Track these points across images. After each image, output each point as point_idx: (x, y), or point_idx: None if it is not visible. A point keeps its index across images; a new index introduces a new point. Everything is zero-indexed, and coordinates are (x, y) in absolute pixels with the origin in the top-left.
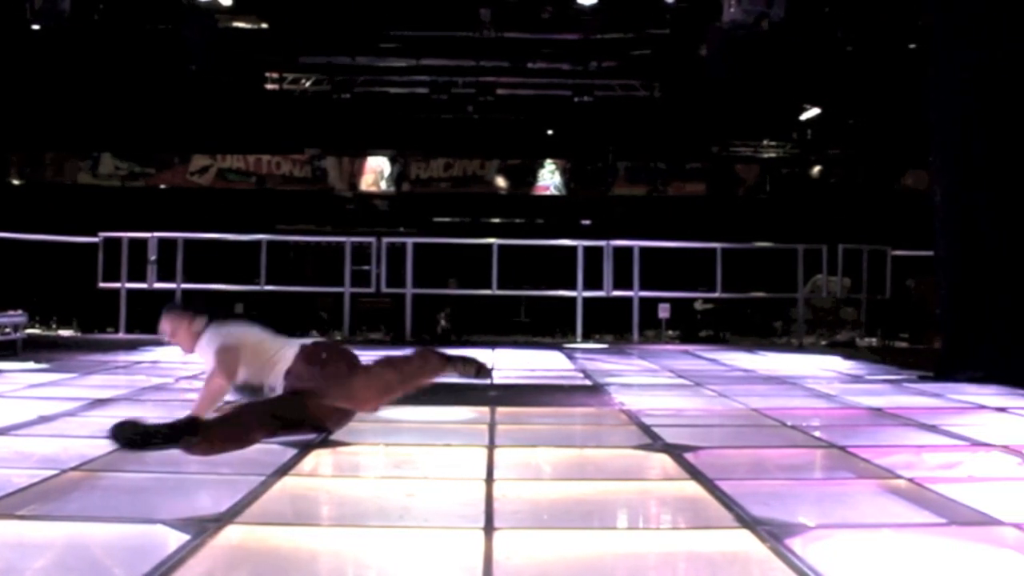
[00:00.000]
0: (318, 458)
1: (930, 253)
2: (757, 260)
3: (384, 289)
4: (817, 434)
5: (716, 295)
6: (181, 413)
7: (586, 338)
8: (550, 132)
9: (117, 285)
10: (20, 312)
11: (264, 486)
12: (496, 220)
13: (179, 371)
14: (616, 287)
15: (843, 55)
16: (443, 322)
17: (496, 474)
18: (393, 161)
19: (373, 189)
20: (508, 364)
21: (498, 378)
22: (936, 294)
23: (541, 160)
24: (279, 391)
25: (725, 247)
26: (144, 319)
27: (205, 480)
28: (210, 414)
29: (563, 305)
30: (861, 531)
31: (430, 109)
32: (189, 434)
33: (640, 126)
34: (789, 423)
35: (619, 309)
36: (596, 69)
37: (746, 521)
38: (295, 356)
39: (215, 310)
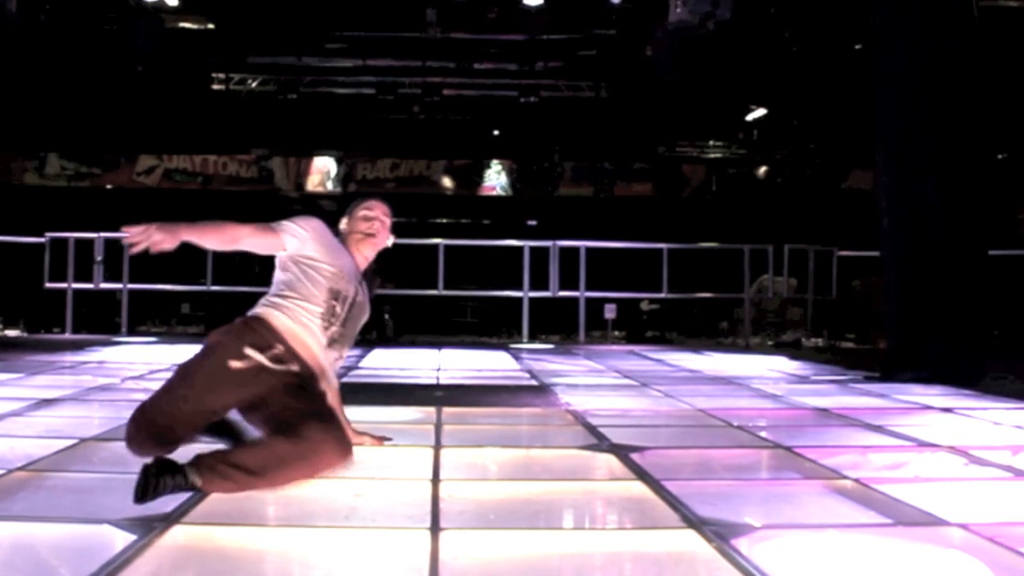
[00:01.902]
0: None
1: (875, 253)
2: (703, 260)
3: None
4: (763, 435)
5: (662, 295)
6: (127, 414)
7: (532, 338)
8: (496, 133)
9: (64, 285)
10: None
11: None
12: (443, 220)
13: (125, 371)
14: (562, 287)
15: (789, 56)
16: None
17: (443, 474)
18: (340, 161)
19: (320, 189)
20: (454, 364)
21: (444, 379)
22: (881, 294)
23: (487, 160)
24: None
25: (671, 247)
26: (90, 319)
27: None
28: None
29: (509, 305)
30: (807, 531)
31: (377, 109)
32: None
33: (586, 126)
34: (735, 423)
35: (565, 309)
36: (542, 69)
37: (692, 521)
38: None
39: None
